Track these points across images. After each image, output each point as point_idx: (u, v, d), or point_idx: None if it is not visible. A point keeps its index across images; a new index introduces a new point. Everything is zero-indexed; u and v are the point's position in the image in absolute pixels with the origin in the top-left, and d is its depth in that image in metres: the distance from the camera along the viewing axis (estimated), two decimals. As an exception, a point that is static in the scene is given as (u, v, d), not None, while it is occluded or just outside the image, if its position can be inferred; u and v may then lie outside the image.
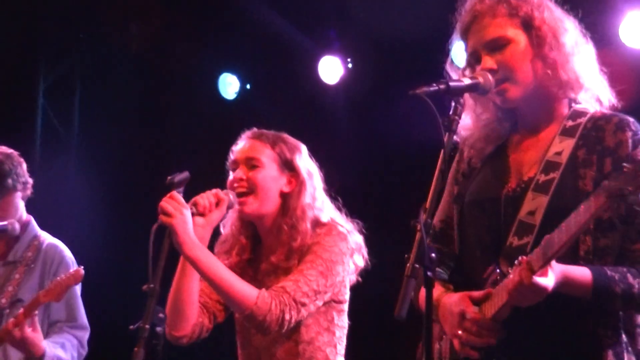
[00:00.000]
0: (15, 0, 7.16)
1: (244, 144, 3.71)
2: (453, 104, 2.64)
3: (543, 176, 2.76)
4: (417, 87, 2.56)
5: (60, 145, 7.58)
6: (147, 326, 3.10)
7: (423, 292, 2.45)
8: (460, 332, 2.73)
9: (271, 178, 3.63)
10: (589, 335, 2.70)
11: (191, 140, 7.57)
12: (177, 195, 3.35)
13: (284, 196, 3.65)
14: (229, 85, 7.63)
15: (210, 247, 3.68)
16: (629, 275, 2.67)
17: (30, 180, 4.74)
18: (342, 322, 3.68)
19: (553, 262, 2.55)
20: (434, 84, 2.60)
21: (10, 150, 4.75)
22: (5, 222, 4.58)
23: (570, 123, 2.83)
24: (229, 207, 3.57)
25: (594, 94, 2.88)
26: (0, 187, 4.62)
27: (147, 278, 3.25)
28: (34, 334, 4.33)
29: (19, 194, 4.70)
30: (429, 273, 2.42)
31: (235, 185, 3.62)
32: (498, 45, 2.83)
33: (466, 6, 2.93)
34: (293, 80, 7.26)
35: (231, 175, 3.68)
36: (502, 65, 2.81)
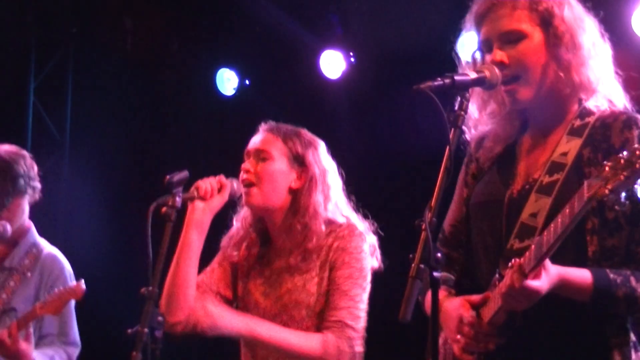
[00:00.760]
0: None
1: (258, 136, 3.68)
2: (459, 98, 2.56)
3: (547, 177, 2.70)
4: (422, 82, 2.49)
5: (52, 144, 7.51)
6: (145, 330, 3.06)
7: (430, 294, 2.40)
8: (458, 337, 2.68)
9: (279, 172, 3.59)
10: (594, 336, 2.64)
11: (189, 138, 7.52)
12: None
13: (293, 192, 3.60)
14: (228, 81, 7.56)
15: (216, 240, 3.64)
16: (632, 278, 2.60)
17: (39, 185, 4.65)
18: None
19: (548, 265, 2.50)
20: (439, 79, 2.53)
21: (23, 151, 4.66)
22: None
23: (578, 122, 2.75)
24: (232, 194, 3.55)
25: (607, 96, 2.79)
26: (12, 189, 4.51)
27: (143, 281, 3.22)
28: (27, 345, 4.24)
29: (27, 198, 4.60)
30: (434, 274, 2.36)
31: (244, 176, 3.59)
32: (513, 38, 2.74)
33: None
34: (293, 75, 7.20)
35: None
36: (514, 61, 2.73)
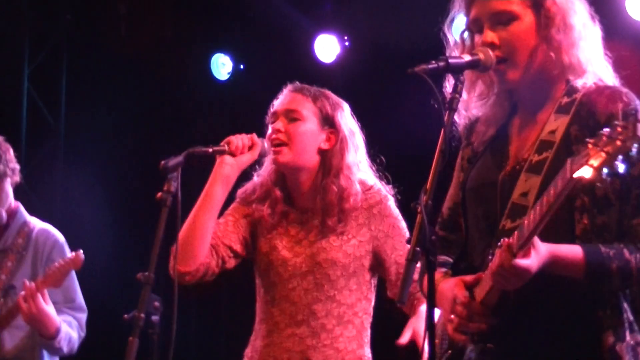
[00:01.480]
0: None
1: (285, 97, 3.70)
2: (453, 81, 2.57)
3: (536, 156, 2.68)
4: (416, 65, 2.50)
5: (47, 130, 7.50)
6: (142, 315, 3.07)
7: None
8: (452, 316, 2.67)
9: (310, 132, 3.61)
10: (587, 316, 2.62)
11: (184, 123, 7.50)
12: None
13: (322, 153, 3.62)
14: (222, 66, 7.55)
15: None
16: (625, 251, 2.57)
17: (18, 166, 4.69)
18: (374, 294, 3.71)
19: (537, 243, 2.48)
20: (433, 62, 2.53)
21: None
22: None
23: (565, 100, 2.74)
24: (262, 154, 3.59)
25: (596, 76, 2.79)
26: None
27: (141, 266, 3.23)
28: (49, 307, 4.33)
29: (8, 180, 4.64)
30: (430, 256, 2.37)
31: (273, 136, 3.60)
32: (503, 19, 2.71)
33: None
34: (288, 59, 7.17)
35: (270, 129, 3.66)
36: (505, 42, 2.70)
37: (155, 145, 7.46)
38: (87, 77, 7.65)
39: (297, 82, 3.77)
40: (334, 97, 3.74)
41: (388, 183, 3.75)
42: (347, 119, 3.71)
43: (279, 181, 3.69)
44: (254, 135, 3.56)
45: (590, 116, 2.68)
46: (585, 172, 2.28)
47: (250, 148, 3.54)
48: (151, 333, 3.29)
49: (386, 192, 3.66)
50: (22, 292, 4.32)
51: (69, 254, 4.54)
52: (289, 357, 3.58)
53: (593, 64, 2.78)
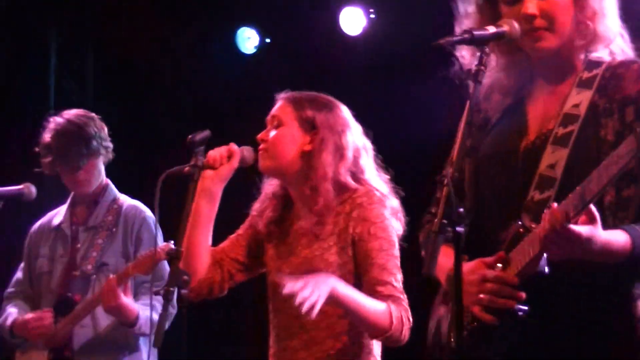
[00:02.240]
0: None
1: (275, 105, 3.66)
2: (479, 53, 2.56)
3: (562, 129, 2.70)
4: (442, 37, 2.50)
5: (74, 105, 7.52)
6: (172, 289, 3.10)
7: (441, 258, 2.38)
8: (481, 295, 2.67)
9: (289, 136, 3.55)
10: (617, 288, 2.65)
11: (211, 97, 7.51)
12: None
13: (305, 156, 3.55)
14: (248, 40, 7.55)
15: (232, 207, 3.66)
16: None
17: (111, 145, 4.86)
18: None
19: (598, 224, 2.48)
20: (458, 34, 2.55)
21: (92, 114, 4.89)
22: (21, 186, 4.63)
23: (586, 74, 2.76)
24: (243, 162, 3.55)
25: (619, 46, 2.80)
26: (86, 150, 4.73)
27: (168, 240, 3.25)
28: (127, 299, 4.43)
29: (101, 158, 4.81)
30: (457, 228, 2.37)
31: (259, 145, 3.59)
32: None
33: None
34: (314, 32, 7.15)
35: None
36: (544, 13, 2.73)
37: (182, 119, 7.50)
38: (114, 52, 7.66)
39: (288, 90, 3.67)
40: (323, 99, 3.64)
41: (389, 176, 3.64)
42: (333, 119, 3.60)
43: (280, 190, 3.68)
44: (232, 145, 3.52)
45: (618, 91, 2.70)
46: None
47: (229, 158, 3.50)
48: (181, 307, 3.33)
49: (375, 194, 3.49)
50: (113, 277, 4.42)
51: (158, 229, 4.63)
52: None
53: (617, 34, 2.80)
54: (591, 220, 2.48)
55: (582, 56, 2.81)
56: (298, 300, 3.05)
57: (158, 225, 4.63)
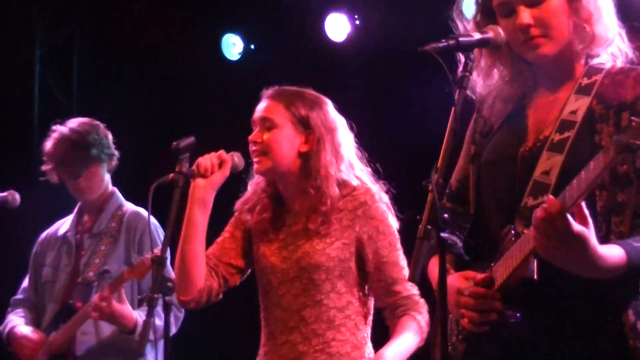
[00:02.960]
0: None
1: (261, 104, 3.66)
2: (463, 60, 2.58)
3: (558, 135, 2.70)
4: (427, 43, 2.50)
5: (59, 112, 7.49)
6: (156, 296, 3.09)
7: (433, 262, 2.38)
8: (462, 311, 2.68)
9: (286, 138, 3.57)
10: (606, 297, 2.62)
11: (196, 104, 7.50)
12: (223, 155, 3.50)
13: (302, 156, 3.58)
14: (233, 46, 7.54)
15: (224, 207, 3.65)
16: None
17: (117, 153, 4.88)
18: (371, 295, 3.65)
19: (591, 227, 2.43)
20: (444, 40, 2.55)
21: (96, 122, 4.91)
22: (5, 193, 4.66)
23: (585, 81, 2.77)
24: (234, 169, 3.54)
25: (616, 49, 2.80)
26: (85, 158, 4.73)
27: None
28: (122, 306, 4.40)
29: (103, 165, 4.81)
30: (442, 234, 2.37)
31: (253, 148, 3.58)
32: (535, 0, 2.74)
33: None
34: (299, 39, 7.16)
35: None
36: (539, 21, 2.73)
37: (167, 127, 7.47)
38: (99, 59, 7.65)
39: (274, 87, 3.70)
40: (311, 96, 3.66)
41: (379, 177, 3.69)
42: (325, 117, 3.63)
43: (268, 187, 3.69)
44: (222, 152, 3.53)
45: (616, 97, 2.69)
46: (631, 150, 2.25)
47: (220, 166, 3.50)
48: (165, 314, 3.32)
49: (375, 192, 3.58)
50: (94, 299, 4.41)
51: (161, 236, 4.64)
52: None
53: (616, 34, 2.80)
54: (584, 225, 2.45)
55: (582, 62, 2.82)
56: None
57: (158, 231, 4.65)
